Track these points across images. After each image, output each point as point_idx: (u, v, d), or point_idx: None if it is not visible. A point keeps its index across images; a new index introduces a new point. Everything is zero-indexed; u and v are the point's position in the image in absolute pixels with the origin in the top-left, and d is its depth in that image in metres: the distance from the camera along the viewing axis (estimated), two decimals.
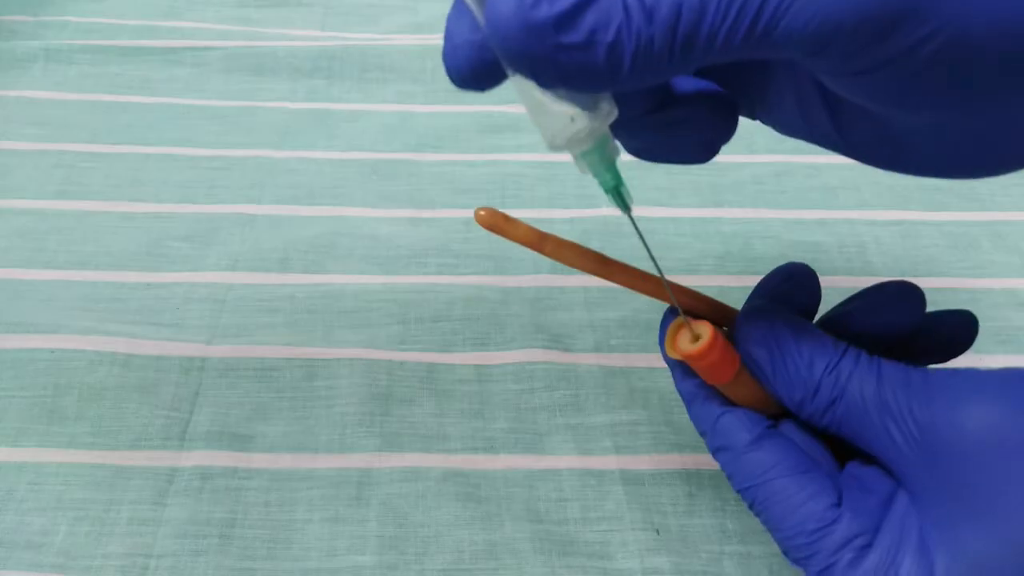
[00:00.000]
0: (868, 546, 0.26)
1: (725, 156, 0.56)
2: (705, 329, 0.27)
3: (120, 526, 0.34)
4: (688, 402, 0.29)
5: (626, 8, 0.20)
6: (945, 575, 0.24)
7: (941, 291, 0.45)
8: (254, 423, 0.38)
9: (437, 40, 0.62)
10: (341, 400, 0.39)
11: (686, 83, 0.28)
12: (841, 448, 0.28)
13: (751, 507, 0.28)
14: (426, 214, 0.49)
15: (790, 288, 0.30)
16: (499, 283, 0.45)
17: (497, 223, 0.26)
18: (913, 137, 0.24)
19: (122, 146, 0.52)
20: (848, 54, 0.20)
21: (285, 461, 0.37)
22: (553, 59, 0.21)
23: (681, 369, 0.29)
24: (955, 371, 0.26)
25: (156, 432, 0.37)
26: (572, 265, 0.28)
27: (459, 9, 0.24)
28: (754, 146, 0.54)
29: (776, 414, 0.29)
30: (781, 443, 0.28)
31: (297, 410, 0.38)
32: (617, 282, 0.29)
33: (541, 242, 0.27)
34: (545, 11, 0.20)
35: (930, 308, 0.44)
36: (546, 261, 0.46)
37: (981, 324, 0.43)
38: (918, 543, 0.25)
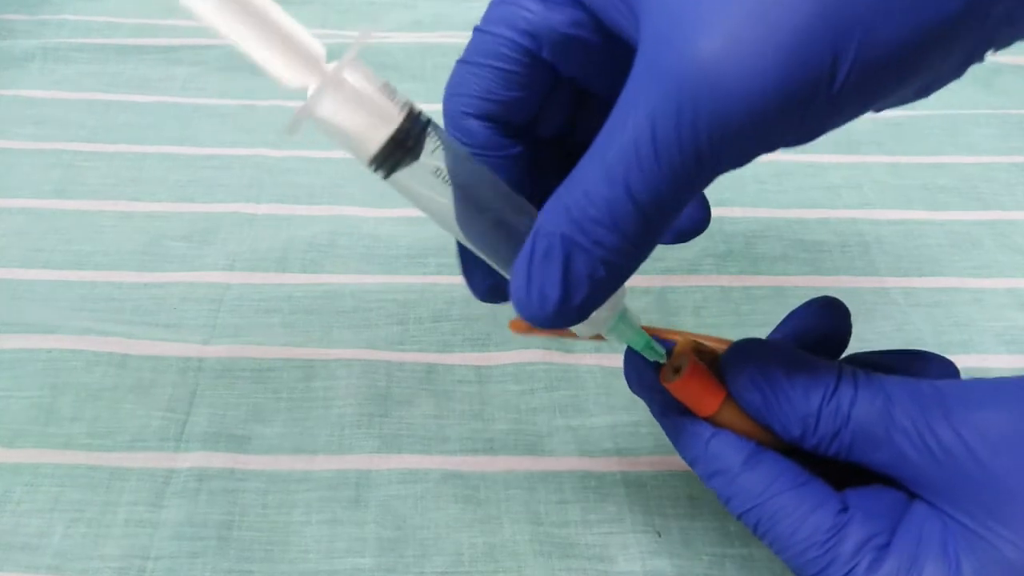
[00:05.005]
0: (886, 546, 0.25)
1: None
2: (684, 360, 0.27)
3: (117, 528, 0.34)
4: (674, 432, 0.28)
5: (601, 244, 0.22)
6: None
7: (944, 291, 0.45)
8: (252, 424, 0.38)
9: (437, 38, 0.62)
10: (339, 401, 0.39)
11: None
12: (836, 474, 0.28)
13: (755, 529, 0.27)
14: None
15: (818, 322, 0.30)
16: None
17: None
18: None
19: (120, 145, 0.52)
20: (794, 134, 0.22)
21: (283, 462, 0.36)
22: (579, 315, 0.24)
23: (661, 401, 0.29)
24: (965, 381, 0.26)
25: (153, 433, 0.37)
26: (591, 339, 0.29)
27: (467, 264, 0.29)
28: None
29: (772, 443, 0.28)
30: (776, 459, 0.27)
31: (295, 411, 0.38)
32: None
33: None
34: (552, 302, 0.23)
35: (933, 308, 0.44)
36: None
37: (984, 324, 0.43)
38: (940, 546, 0.25)
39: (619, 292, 0.27)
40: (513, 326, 0.31)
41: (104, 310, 0.42)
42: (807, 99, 0.20)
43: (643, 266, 0.48)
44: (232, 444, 0.37)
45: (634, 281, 0.45)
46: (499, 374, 0.40)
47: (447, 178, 0.25)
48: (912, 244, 0.48)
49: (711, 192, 0.55)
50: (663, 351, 0.28)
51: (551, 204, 0.23)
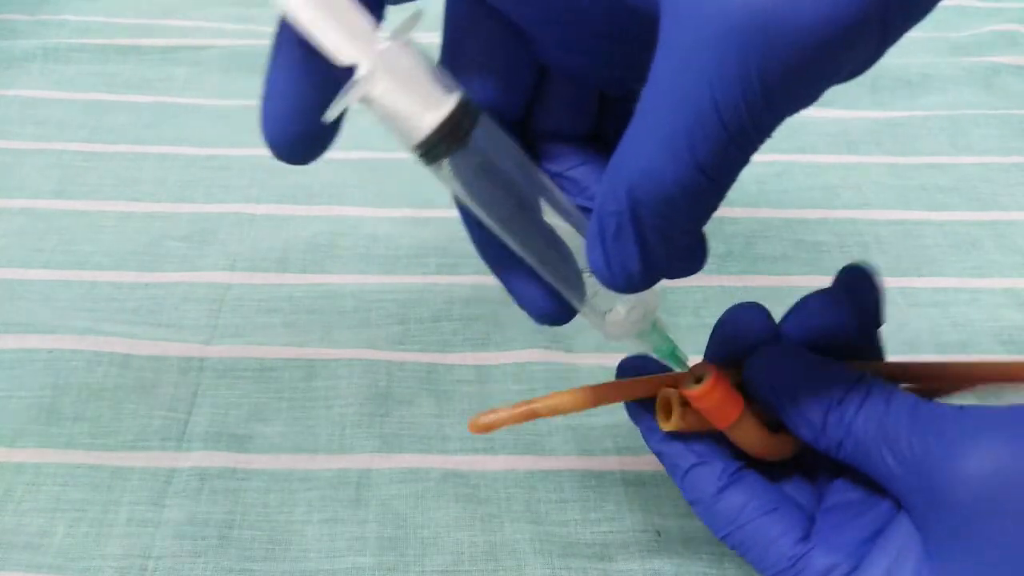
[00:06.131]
0: (851, 572, 0.25)
1: None
2: (708, 370, 0.27)
3: (118, 527, 0.34)
4: (661, 459, 0.29)
5: (670, 216, 0.22)
6: None
7: (943, 291, 0.45)
8: (253, 423, 0.38)
9: (436, 38, 0.62)
10: (340, 400, 0.39)
11: None
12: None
13: (737, 552, 0.28)
14: (426, 214, 0.48)
15: (820, 321, 0.29)
16: (499, 283, 0.45)
17: (490, 424, 0.28)
18: None
19: (120, 145, 0.52)
20: (855, 63, 0.20)
21: (284, 462, 0.36)
22: (662, 275, 0.23)
23: (652, 428, 0.29)
24: (969, 408, 0.25)
25: (154, 433, 0.37)
26: (570, 412, 0.28)
27: (284, 66, 0.23)
28: None
29: (786, 459, 0.28)
30: (747, 486, 0.27)
31: (296, 410, 0.38)
32: (619, 400, 0.29)
33: (532, 413, 0.28)
34: (637, 275, 0.23)
35: (931, 308, 0.44)
36: None
37: (983, 324, 0.43)
38: (913, 572, 0.24)
39: (653, 299, 0.27)
40: (473, 427, 0.28)
41: (105, 310, 0.42)
42: (866, 18, 0.18)
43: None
44: (233, 443, 0.37)
45: None
46: (499, 374, 0.40)
47: (493, 170, 0.24)
48: (911, 244, 0.48)
49: None
50: (686, 359, 0.28)
51: (610, 182, 0.22)
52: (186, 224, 0.47)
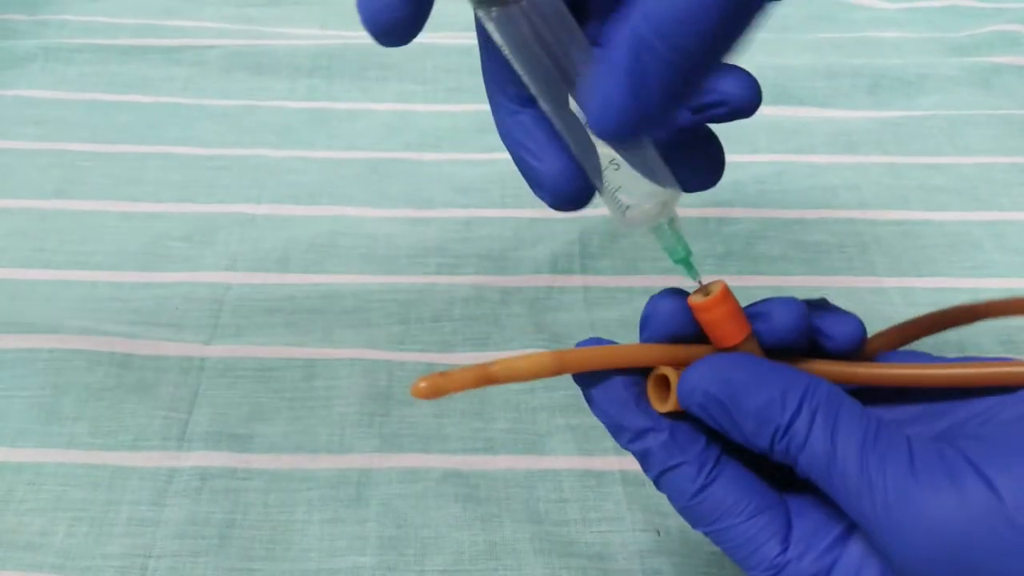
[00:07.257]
0: None
1: (726, 156, 0.55)
2: (717, 285, 0.27)
3: (119, 527, 0.34)
4: (639, 461, 0.28)
5: (677, 47, 0.21)
6: None
7: (942, 291, 0.45)
8: (253, 423, 0.38)
9: (438, 39, 0.62)
10: (340, 400, 0.39)
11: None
12: None
13: (718, 546, 0.27)
14: (426, 214, 0.49)
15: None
16: (499, 283, 0.45)
17: (438, 387, 0.25)
18: None
19: (121, 145, 0.52)
20: None
21: (284, 462, 0.37)
22: (651, 124, 0.22)
23: (620, 428, 0.27)
24: (919, 465, 0.24)
25: (155, 432, 0.37)
26: (529, 379, 0.26)
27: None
28: (755, 146, 0.54)
29: None
30: (727, 483, 0.27)
31: (296, 410, 0.38)
32: (585, 369, 0.27)
33: (487, 376, 0.25)
34: (629, 111, 0.21)
35: (931, 308, 0.44)
36: (546, 260, 0.46)
37: (981, 325, 0.43)
38: None
39: (673, 195, 0.26)
40: (416, 391, 0.25)
41: (106, 310, 0.42)
42: None
43: (642, 267, 0.48)
44: (234, 443, 0.37)
45: (634, 281, 0.45)
46: None
47: (543, 30, 0.24)
48: (910, 244, 0.48)
49: (710, 193, 0.54)
50: (698, 272, 0.27)
51: (624, 16, 0.21)
52: (187, 224, 0.47)
